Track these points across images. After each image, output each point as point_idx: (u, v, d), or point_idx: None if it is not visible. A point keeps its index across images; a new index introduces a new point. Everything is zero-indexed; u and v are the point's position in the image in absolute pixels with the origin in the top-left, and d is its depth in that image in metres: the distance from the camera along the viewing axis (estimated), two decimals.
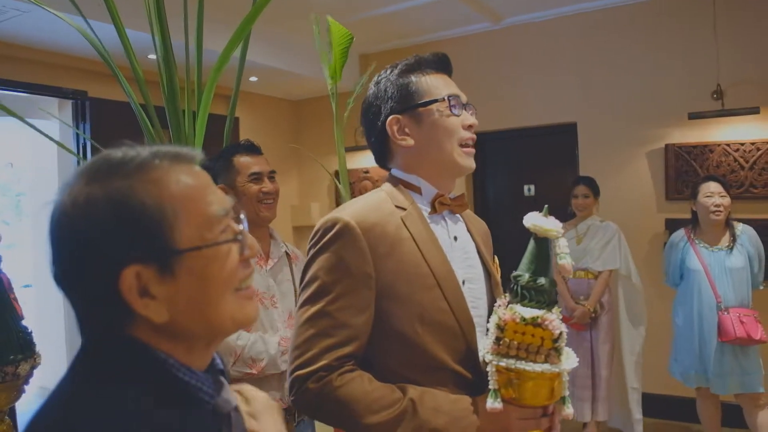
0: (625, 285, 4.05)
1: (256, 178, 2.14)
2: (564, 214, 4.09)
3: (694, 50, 4.33)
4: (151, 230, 0.71)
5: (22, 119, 1.74)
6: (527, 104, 4.95)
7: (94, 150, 4.15)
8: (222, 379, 0.85)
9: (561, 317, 1.17)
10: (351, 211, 1.28)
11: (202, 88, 1.73)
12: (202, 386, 0.78)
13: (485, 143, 5.33)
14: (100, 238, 0.70)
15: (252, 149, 2.19)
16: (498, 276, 1.46)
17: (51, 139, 1.91)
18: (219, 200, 0.78)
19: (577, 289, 3.97)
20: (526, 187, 5.20)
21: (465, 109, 1.37)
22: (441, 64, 1.41)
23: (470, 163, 1.37)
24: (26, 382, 2.01)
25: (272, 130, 5.98)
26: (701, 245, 3.42)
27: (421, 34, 5.20)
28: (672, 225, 4.32)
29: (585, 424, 4.01)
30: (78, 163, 4.33)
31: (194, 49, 1.73)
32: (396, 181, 1.39)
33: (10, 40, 3.89)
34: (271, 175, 2.20)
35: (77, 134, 4.27)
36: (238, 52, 1.85)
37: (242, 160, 2.15)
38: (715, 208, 3.33)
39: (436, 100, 1.34)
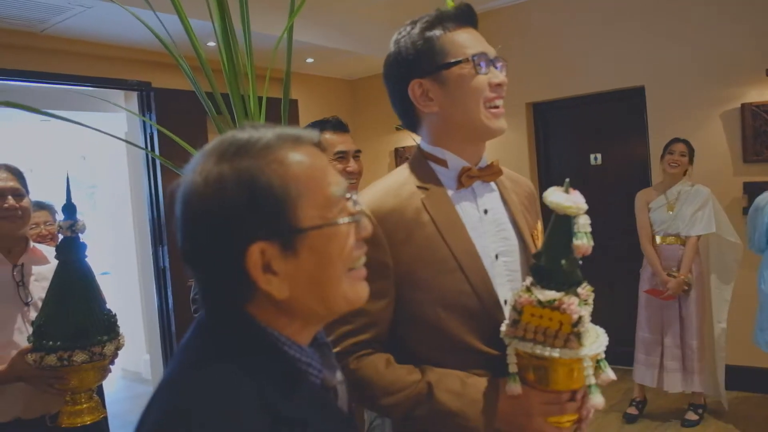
0: (719, 246, 3.90)
1: (342, 156, 2.14)
2: (631, 183, 3.94)
3: None
4: (276, 208, 0.75)
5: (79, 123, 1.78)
6: (592, 69, 4.76)
7: (161, 137, 4.27)
8: (328, 352, 0.89)
9: (589, 297, 1.12)
10: (368, 198, 1.24)
11: (261, 72, 1.73)
12: (312, 362, 0.82)
13: (548, 112, 5.18)
14: (230, 215, 0.73)
15: (339, 126, 2.19)
16: (539, 243, 1.36)
17: (115, 136, 1.95)
18: (337, 181, 0.81)
19: (670, 255, 3.86)
20: (592, 156, 5.02)
21: (493, 65, 1.25)
22: (464, 17, 1.27)
23: (499, 125, 1.26)
24: (111, 362, 2.10)
25: (330, 111, 5.97)
26: None
27: (483, 2, 5.06)
28: (751, 188, 4.10)
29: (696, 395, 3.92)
30: (147, 151, 4.46)
31: (243, 33, 1.73)
32: (421, 156, 1.32)
33: (75, 36, 4.02)
34: (356, 155, 2.20)
35: (144, 123, 4.39)
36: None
37: (328, 137, 2.14)
38: None
39: (459, 61, 1.22)
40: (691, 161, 3.92)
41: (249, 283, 0.75)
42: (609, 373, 1.15)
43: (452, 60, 1.22)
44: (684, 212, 3.80)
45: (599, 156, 5.01)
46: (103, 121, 5.07)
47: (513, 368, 1.14)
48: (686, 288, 3.77)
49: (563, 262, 1.10)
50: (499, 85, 1.24)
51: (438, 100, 1.25)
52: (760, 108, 4.15)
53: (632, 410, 4.03)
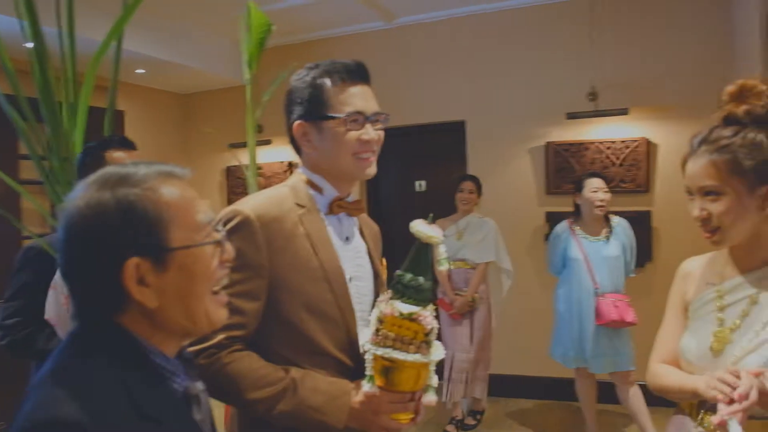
0: (497, 272, 4.33)
1: None
2: (451, 208, 4.25)
3: (572, 54, 4.62)
4: (150, 229, 0.86)
5: None
6: (418, 102, 5.08)
7: None
8: (190, 365, 1.02)
9: (435, 314, 1.30)
10: (253, 204, 1.36)
11: (79, 78, 1.65)
12: (176, 371, 0.94)
13: None
14: (109, 234, 0.85)
15: (126, 143, 2.10)
16: (384, 275, 1.57)
17: None
18: (204, 210, 0.94)
19: (457, 278, 4.19)
20: (417, 183, 5.33)
21: (368, 122, 1.41)
22: (355, 74, 1.43)
23: (365, 173, 1.44)
24: None
25: (160, 125, 5.78)
26: (582, 236, 3.67)
27: (313, 30, 5.20)
28: (552, 218, 4.59)
29: (454, 405, 4.26)
30: None
31: (66, 35, 1.65)
32: (301, 179, 1.47)
33: None
34: None
35: None
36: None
37: (116, 155, 2.05)
38: (601, 203, 3.59)
39: (334, 117, 1.38)
40: (479, 194, 4.30)
41: (123, 294, 0.86)
42: (432, 397, 1.32)
43: (330, 114, 1.39)
44: (470, 241, 4.17)
45: (423, 183, 5.33)
46: None
47: (370, 371, 1.28)
48: (471, 305, 4.12)
49: (423, 280, 1.27)
50: (367, 141, 1.41)
51: (314, 143, 1.42)
52: (560, 147, 4.68)
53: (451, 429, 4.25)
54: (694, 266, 1.59)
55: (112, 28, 1.58)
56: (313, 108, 1.40)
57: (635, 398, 3.54)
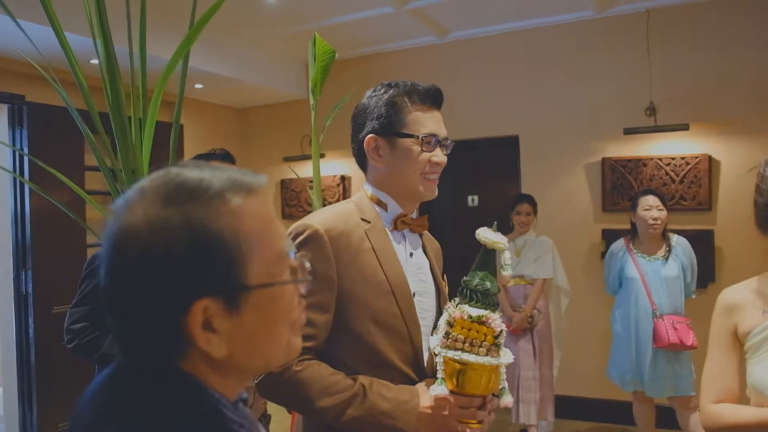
0: (555, 295, 4.29)
1: None
2: (506, 224, 4.21)
3: (630, 69, 4.53)
4: (225, 263, 0.69)
5: None
6: (472, 117, 5.05)
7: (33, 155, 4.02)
8: (244, 406, 0.84)
9: (502, 318, 1.33)
10: (321, 218, 1.41)
11: (148, 95, 1.71)
12: (243, 422, 0.75)
13: None
14: (177, 267, 0.67)
15: (228, 158, 2.22)
16: (446, 291, 1.58)
17: None
18: (284, 234, 0.77)
19: (515, 294, 4.14)
20: (470, 198, 5.30)
21: (439, 146, 1.47)
22: (431, 98, 1.48)
23: (430, 193, 1.49)
24: None
25: (217, 138, 5.92)
26: (639, 255, 3.57)
27: (367, 45, 5.25)
28: (608, 235, 4.48)
29: (528, 427, 4.10)
30: (15, 175, 4.16)
31: (138, 55, 1.71)
32: (366, 194, 1.52)
33: None
34: None
35: (13, 138, 4.12)
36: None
37: None
38: (653, 222, 3.48)
39: (412, 136, 1.44)
40: (535, 215, 4.25)
41: (185, 339, 0.68)
42: (508, 398, 1.34)
43: (407, 132, 1.44)
44: (528, 257, 4.13)
45: (476, 198, 5.30)
46: None
47: (441, 374, 1.31)
48: (530, 321, 4.04)
49: (489, 285, 1.32)
50: (437, 163, 1.46)
51: (385, 158, 1.46)
52: (618, 162, 4.57)
53: None
54: (738, 296, 1.51)
55: (179, 46, 1.63)
56: (390, 124, 1.45)
57: (697, 425, 3.39)
